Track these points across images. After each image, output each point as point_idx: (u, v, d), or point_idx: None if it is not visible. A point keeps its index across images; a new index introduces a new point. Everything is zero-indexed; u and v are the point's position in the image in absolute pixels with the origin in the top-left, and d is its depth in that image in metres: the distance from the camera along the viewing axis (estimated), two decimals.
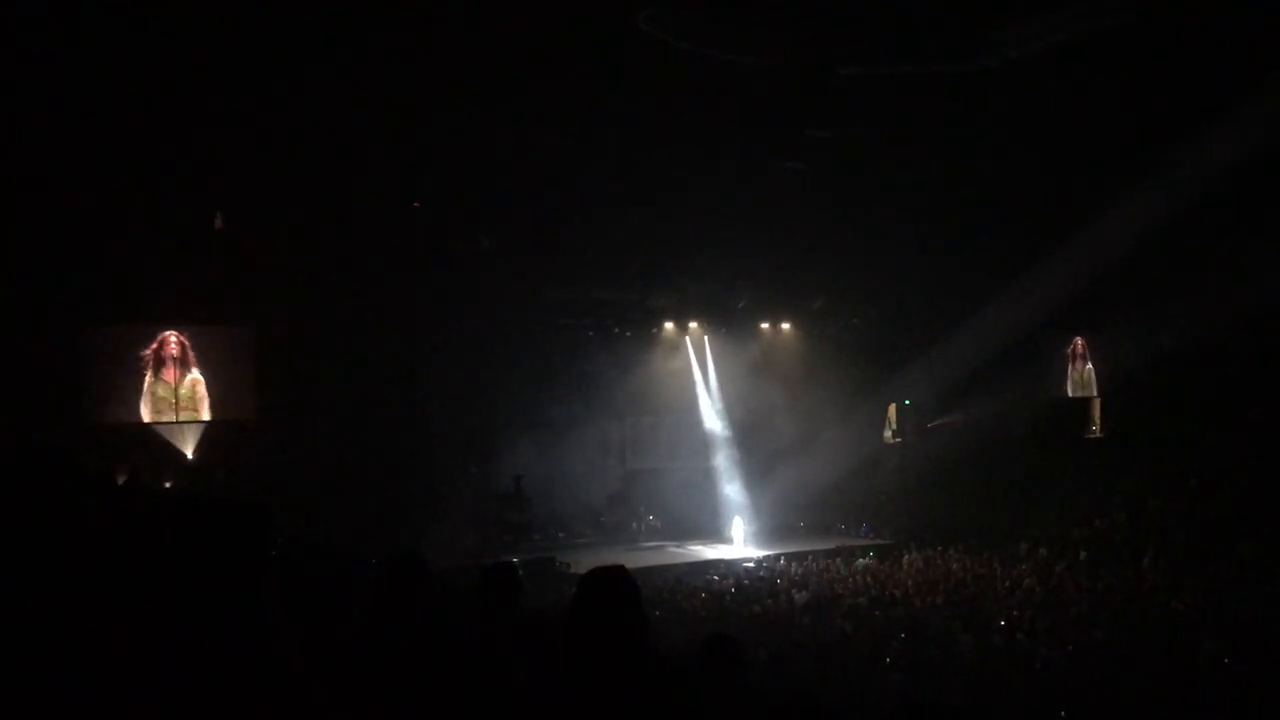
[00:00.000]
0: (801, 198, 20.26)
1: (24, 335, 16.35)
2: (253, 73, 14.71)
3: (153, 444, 19.04)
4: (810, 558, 19.97)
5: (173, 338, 19.63)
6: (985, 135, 18.87)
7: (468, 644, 3.01)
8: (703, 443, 25.86)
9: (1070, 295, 23.60)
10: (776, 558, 20.33)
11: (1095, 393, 28.09)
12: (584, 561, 17.69)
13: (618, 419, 25.55)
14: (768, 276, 23.85)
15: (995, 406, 25.70)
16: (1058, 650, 11.52)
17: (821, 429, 25.34)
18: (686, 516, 24.32)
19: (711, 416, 25.97)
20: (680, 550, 22.76)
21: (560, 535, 23.74)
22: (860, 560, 19.76)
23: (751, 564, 20.12)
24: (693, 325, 25.84)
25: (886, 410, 27.98)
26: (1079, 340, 28.11)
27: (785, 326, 26.50)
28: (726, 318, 25.67)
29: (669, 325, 25.60)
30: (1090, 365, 28.20)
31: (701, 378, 26.07)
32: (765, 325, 26.38)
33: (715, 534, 23.66)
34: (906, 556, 19.65)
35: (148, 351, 19.44)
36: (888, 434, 28.17)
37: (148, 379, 19.38)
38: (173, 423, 19.62)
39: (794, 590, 16.17)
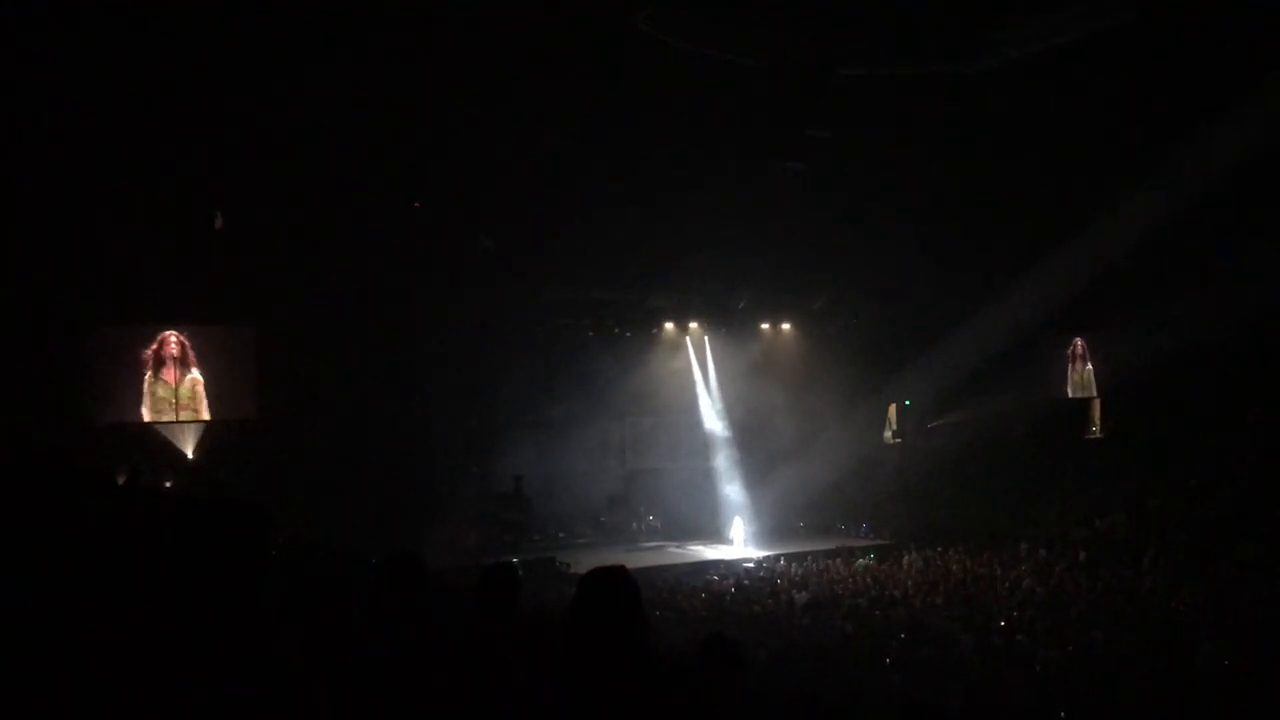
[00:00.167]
0: (802, 198, 20.27)
1: (24, 335, 16.35)
2: (253, 73, 14.72)
3: (153, 444, 19.04)
4: (810, 558, 19.96)
5: (173, 337, 19.63)
6: (985, 135, 18.88)
7: (467, 644, 3.01)
8: (703, 443, 25.86)
9: (1070, 295, 23.61)
10: (776, 558, 20.33)
11: (1095, 393, 28.07)
12: (584, 561, 17.70)
13: (618, 419, 25.55)
14: (768, 276, 23.85)
15: (995, 407, 25.70)
16: (1058, 650, 11.50)
17: (821, 429, 25.34)
18: (686, 517, 24.31)
19: (712, 417, 25.97)
20: (680, 551, 22.76)
21: (560, 535, 23.73)
22: (860, 561, 19.76)
23: (751, 564, 20.12)
24: (693, 325, 25.85)
25: (886, 410, 27.96)
26: (1079, 341, 28.10)
27: (785, 327, 26.50)
28: (727, 318, 25.68)
29: (669, 325, 25.60)
30: (1090, 366, 28.18)
31: (702, 378, 26.07)
32: (765, 325, 26.39)
33: (715, 534, 23.65)
34: (906, 557, 19.64)
35: (148, 351, 19.44)
36: (888, 434, 28.17)
37: (148, 379, 19.38)
38: (173, 422, 19.63)
39: (794, 591, 16.16)
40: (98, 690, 1.79)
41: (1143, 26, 15.24)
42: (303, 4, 13.82)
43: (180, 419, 19.68)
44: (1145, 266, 22.44)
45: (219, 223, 18.17)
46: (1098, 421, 28.06)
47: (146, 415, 19.35)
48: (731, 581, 17.69)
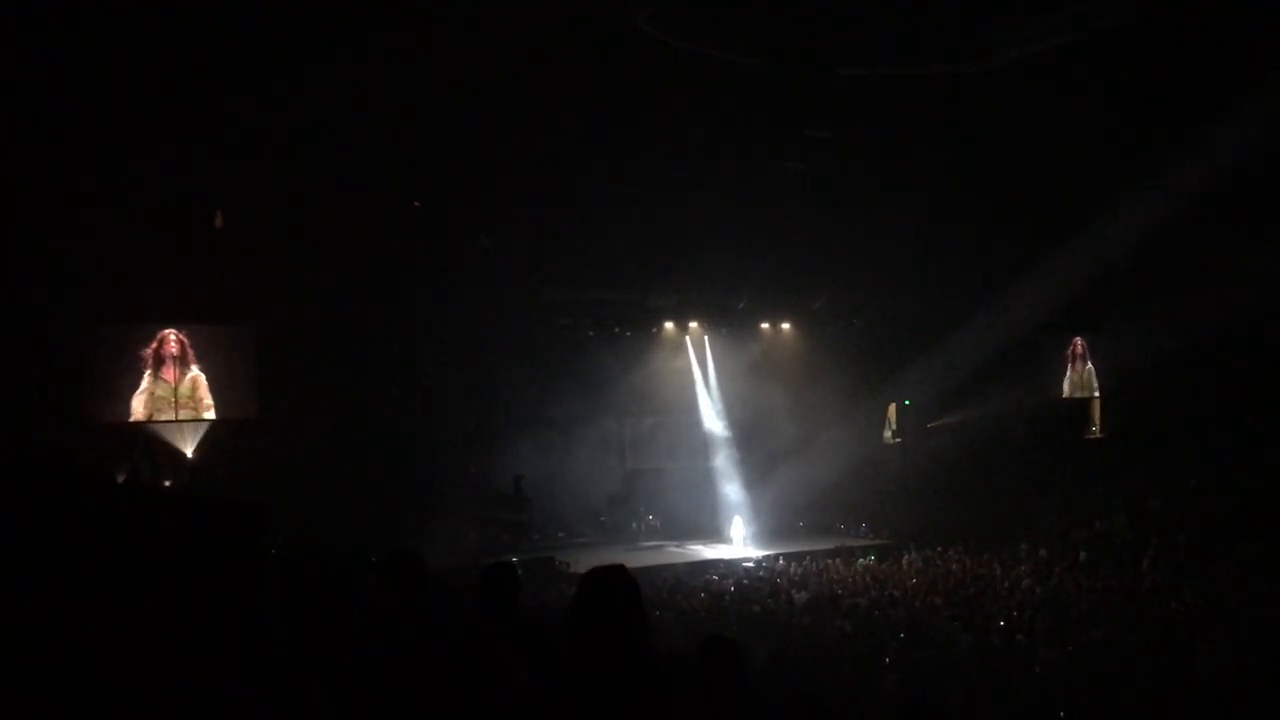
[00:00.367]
0: (802, 198, 20.26)
1: (24, 335, 16.35)
2: (253, 72, 14.72)
3: (153, 443, 19.03)
4: (810, 558, 19.95)
5: (172, 336, 19.62)
6: (985, 135, 18.88)
7: (467, 644, 3.01)
8: (703, 443, 25.84)
9: (1070, 295, 23.61)
10: (776, 558, 20.32)
11: (1095, 393, 28.07)
12: (584, 561, 17.71)
13: (618, 419, 25.54)
14: (768, 276, 23.83)
15: (995, 407, 25.68)
16: (1057, 650, 11.50)
17: (821, 429, 25.32)
18: (686, 516, 24.31)
19: (712, 416, 25.96)
20: (680, 550, 22.75)
21: (560, 535, 23.73)
22: (860, 560, 19.75)
23: (751, 564, 20.12)
24: (693, 325, 25.84)
25: (886, 410, 27.95)
26: (1079, 340, 28.08)
27: (785, 326, 26.49)
28: (727, 318, 25.66)
29: (669, 325, 25.58)
30: (1090, 365, 28.17)
31: (702, 378, 26.06)
32: (765, 325, 26.37)
33: (715, 534, 23.65)
34: (906, 557, 19.64)
35: (147, 350, 19.42)
36: (888, 434, 28.16)
37: (147, 378, 19.37)
38: (172, 421, 19.63)
39: (794, 590, 16.15)
40: (98, 690, 1.79)
41: (1143, 26, 15.23)
42: (303, 4, 13.82)
43: (180, 418, 19.68)
44: (1145, 266, 22.44)
45: (219, 222, 18.17)
46: (1098, 421, 28.06)
47: (146, 414, 19.34)
48: (731, 581, 17.69)
